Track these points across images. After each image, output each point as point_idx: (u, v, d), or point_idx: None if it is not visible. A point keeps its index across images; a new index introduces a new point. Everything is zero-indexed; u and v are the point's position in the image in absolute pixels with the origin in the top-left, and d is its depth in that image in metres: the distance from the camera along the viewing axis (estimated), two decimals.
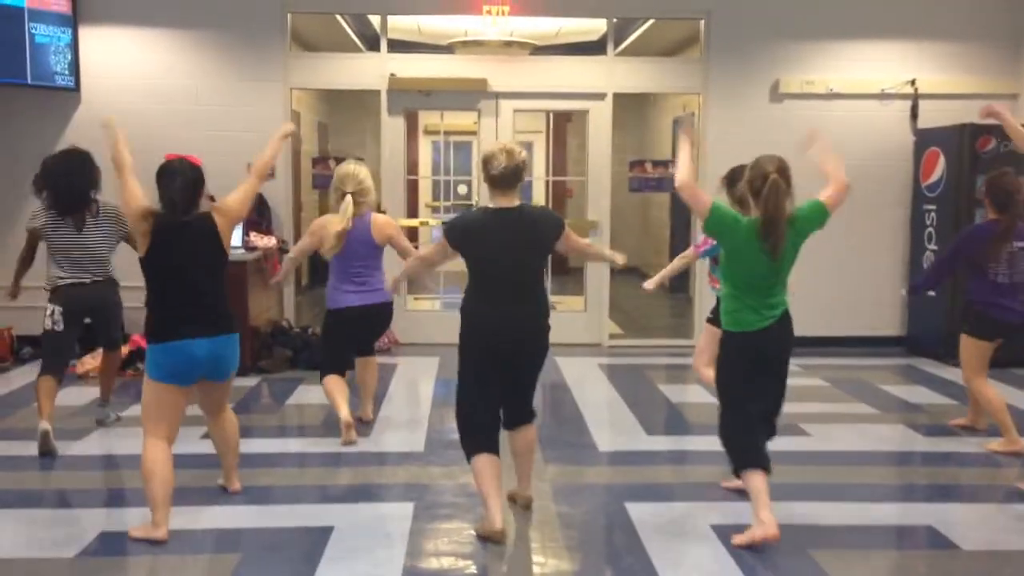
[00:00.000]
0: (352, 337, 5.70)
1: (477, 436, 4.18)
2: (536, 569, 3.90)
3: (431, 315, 9.05)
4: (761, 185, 4.00)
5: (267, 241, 7.73)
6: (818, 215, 4.16)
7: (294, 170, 9.10)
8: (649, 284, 5.47)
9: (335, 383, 5.59)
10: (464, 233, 4.18)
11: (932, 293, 6.21)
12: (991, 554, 3.98)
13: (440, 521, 4.34)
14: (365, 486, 4.87)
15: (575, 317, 9.02)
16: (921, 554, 4.08)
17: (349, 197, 5.46)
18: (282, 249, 8.05)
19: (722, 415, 4.28)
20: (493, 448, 4.16)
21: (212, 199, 7.57)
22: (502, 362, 4.15)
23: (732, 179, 5.16)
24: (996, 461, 5.35)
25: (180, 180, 4.19)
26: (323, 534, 4.10)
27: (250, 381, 7.05)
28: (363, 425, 5.86)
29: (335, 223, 5.46)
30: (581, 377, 7.47)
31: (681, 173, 4.11)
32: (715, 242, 4.67)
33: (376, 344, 6.20)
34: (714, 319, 5.40)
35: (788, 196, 4.03)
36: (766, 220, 4.00)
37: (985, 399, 5.57)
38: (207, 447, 5.39)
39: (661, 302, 11.70)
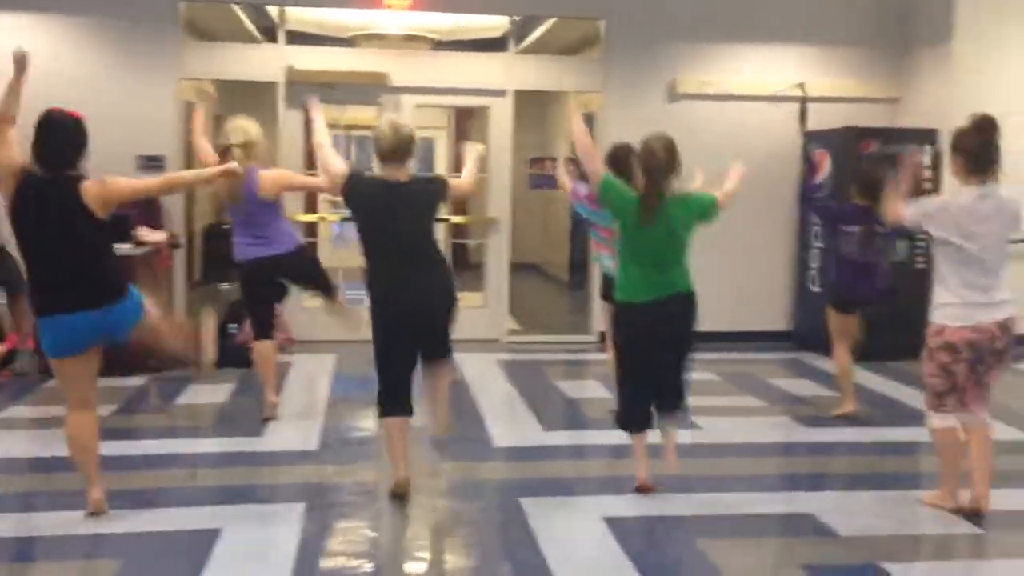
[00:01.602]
0: (266, 288, 5.79)
1: (389, 399, 4.45)
2: (431, 567, 3.90)
3: None
4: (647, 159, 4.38)
5: (157, 236, 7.50)
6: (709, 206, 4.53)
7: (186, 163, 8.85)
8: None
9: (267, 350, 5.80)
10: (358, 187, 4.40)
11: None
12: (866, 539, 4.14)
13: (334, 520, 4.29)
14: (257, 487, 4.78)
15: (474, 313, 9.00)
16: (802, 541, 4.21)
17: (236, 151, 5.44)
18: (173, 244, 7.84)
19: (617, 377, 4.67)
20: (405, 411, 4.47)
21: None
22: (410, 323, 4.37)
23: (614, 156, 5.40)
24: (872, 450, 5.58)
25: (57, 133, 3.98)
26: (210, 537, 3.99)
27: (138, 380, 6.82)
28: (259, 423, 5.75)
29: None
30: (479, 373, 7.48)
31: (584, 133, 4.52)
32: (585, 198, 5.30)
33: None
34: (607, 294, 5.68)
35: (671, 171, 4.37)
36: (644, 189, 4.35)
37: (838, 363, 6.14)
38: None
39: (560, 298, 11.82)
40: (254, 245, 5.64)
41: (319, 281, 6.06)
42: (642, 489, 4.57)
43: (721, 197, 4.61)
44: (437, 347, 4.59)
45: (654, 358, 4.50)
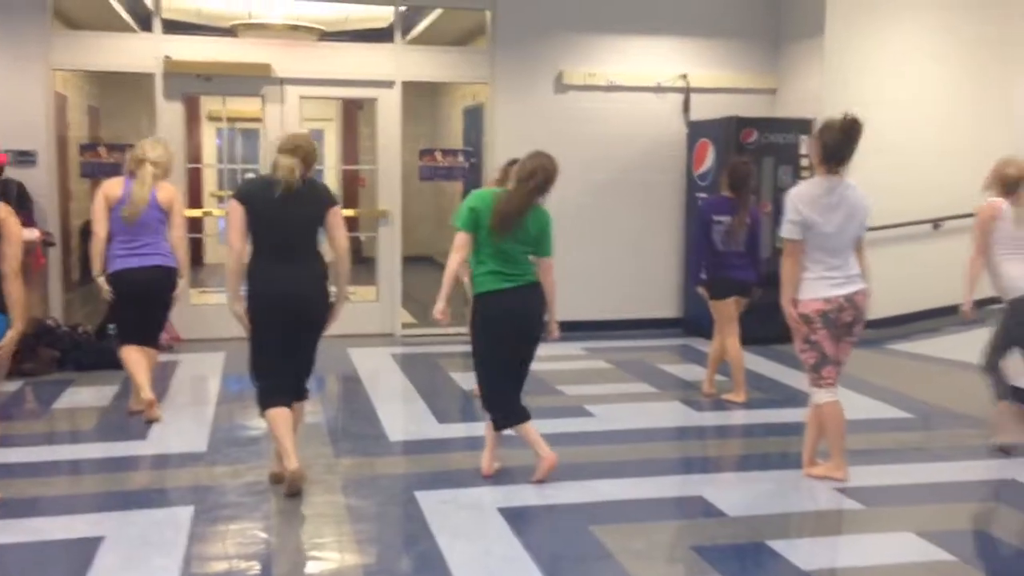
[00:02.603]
0: (136, 302, 5.73)
1: (270, 391, 4.52)
2: (327, 565, 3.84)
3: (216, 309, 8.69)
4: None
5: (29, 234, 7.14)
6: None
7: (60, 157, 8.48)
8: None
9: (131, 354, 5.73)
10: (250, 192, 4.53)
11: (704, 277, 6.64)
12: (753, 518, 4.28)
13: (223, 523, 4.18)
14: (142, 491, 4.62)
15: (367, 307, 8.93)
16: (693, 523, 4.32)
17: (149, 165, 5.61)
18: (46, 242, 7.50)
19: (477, 374, 4.80)
20: (286, 402, 4.53)
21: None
22: (284, 316, 4.45)
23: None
24: (759, 432, 5.76)
25: None
26: (92, 545, 3.85)
27: (11, 385, 6.51)
28: (143, 425, 5.57)
29: (117, 185, 5.68)
30: (374, 368, 7.42)
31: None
32: None
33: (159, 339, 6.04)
34: None
35: (537, 196, 4.59)
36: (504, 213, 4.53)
37: (730, 355, 6.31)
38: None
39: (454, 291, 11.77)
40: (130, 256, 5.64)
41: (158, 321, 5.95)
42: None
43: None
44: (302, 357, 4.59)
45: (515, 347, 4.67)
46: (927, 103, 8.70)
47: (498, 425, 4.75)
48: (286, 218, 4.41)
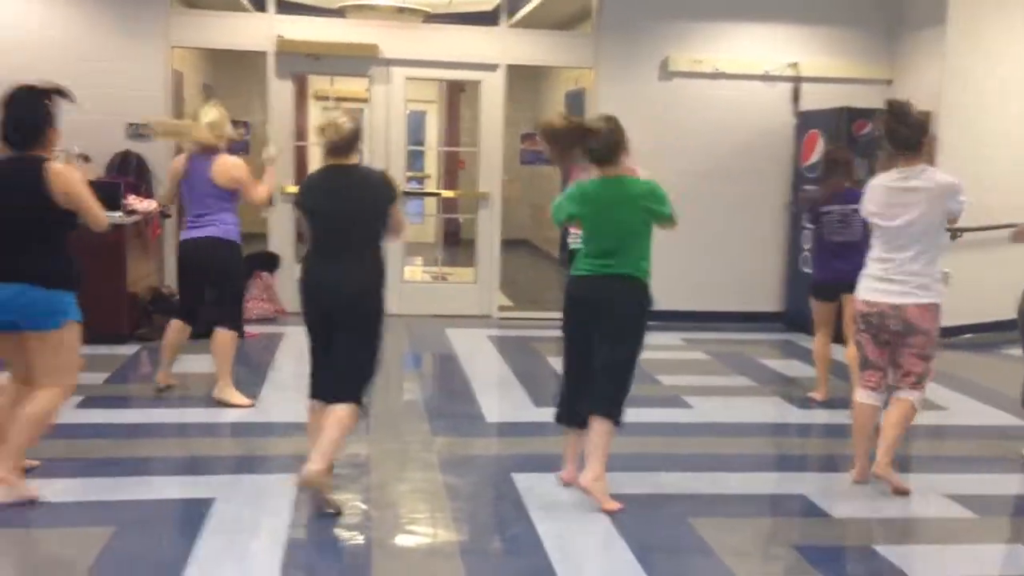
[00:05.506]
0: (192, 276, 5.63)
1: (312, 380, 4.26)
2: (423, 540, 3.90)
3: None
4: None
5: (146, 205, 7.43)
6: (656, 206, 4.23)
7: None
8: None
9: (172, 330, 5.71)
10: (304, 192, 4.36)
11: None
12: (858, 521, 4.17)
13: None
14: (250, 457, 4.77)
15: (465, 289, 9.01)
16: (793, 522, 4.24)
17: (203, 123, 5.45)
18: (163, 213, 7.78)
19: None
20: (319, 395, 4.20)
21: (87, 158, 7.31)
22: (322, 315, 4.16)
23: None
24: None
25: (15, 111, 3.90)
26: (203, 506, 3.99)
27: (128, 349, 6.79)
28: (254, 393, 5.73)
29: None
30: (470, 348, 7.48)
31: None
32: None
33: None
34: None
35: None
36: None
37: (815, 350, 6.10)
38: (84, 416, 5.22)
39: (551, 274, 11.79)
40: (189, 229, 5.55)
41: (225, 298, 5.62)
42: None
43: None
44: (337, 367, 4.15)
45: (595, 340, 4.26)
46: None
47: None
48: (336, 211, 4.15)
